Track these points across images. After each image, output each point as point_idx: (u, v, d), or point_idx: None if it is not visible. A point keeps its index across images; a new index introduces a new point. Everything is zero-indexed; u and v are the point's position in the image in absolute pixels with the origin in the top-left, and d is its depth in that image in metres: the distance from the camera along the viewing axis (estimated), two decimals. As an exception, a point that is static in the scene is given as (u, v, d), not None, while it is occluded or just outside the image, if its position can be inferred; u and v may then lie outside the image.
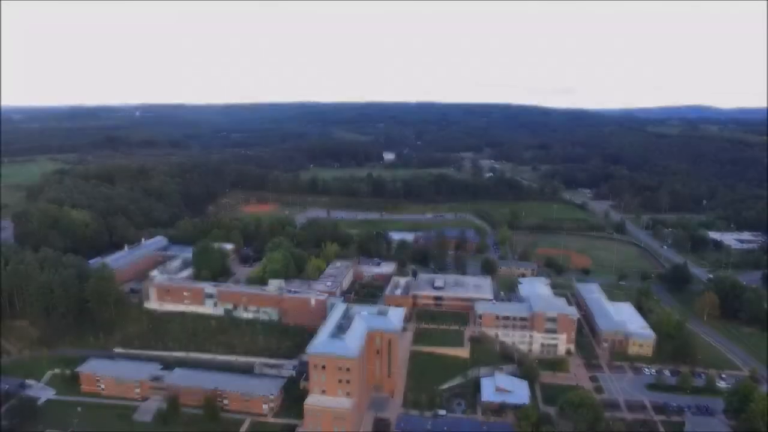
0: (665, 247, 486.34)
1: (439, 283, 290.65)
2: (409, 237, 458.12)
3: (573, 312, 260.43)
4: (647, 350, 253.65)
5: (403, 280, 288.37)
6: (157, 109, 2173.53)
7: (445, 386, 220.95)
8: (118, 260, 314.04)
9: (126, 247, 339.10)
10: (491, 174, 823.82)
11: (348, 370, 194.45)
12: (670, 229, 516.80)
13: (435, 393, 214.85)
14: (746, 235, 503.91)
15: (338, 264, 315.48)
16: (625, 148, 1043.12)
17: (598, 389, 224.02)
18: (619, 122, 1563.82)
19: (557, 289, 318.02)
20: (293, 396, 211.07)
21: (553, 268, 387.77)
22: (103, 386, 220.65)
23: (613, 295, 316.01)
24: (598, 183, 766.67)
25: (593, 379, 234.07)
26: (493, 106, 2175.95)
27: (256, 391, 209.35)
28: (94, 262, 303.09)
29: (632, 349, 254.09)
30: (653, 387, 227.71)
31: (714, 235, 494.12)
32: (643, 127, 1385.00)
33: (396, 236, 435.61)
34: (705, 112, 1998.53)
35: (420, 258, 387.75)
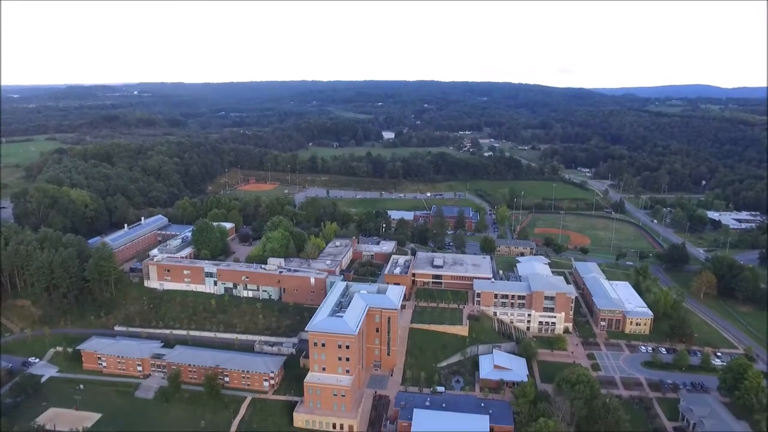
0: (654, 221, 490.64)
1: (438, 261, 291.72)
2: (409, 216, 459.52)
3: (571, 291, 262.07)
4: (644, 329, 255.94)
5: (402, 259, 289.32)
6: (156, 88, 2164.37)
7: (444, 364, 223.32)
8: (118, 240, 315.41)
9: (126, 227, 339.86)
10: (491, 153, 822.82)
11: (347, 347, 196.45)
12: (668, 209, 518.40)
13: (434, 370, 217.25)
14: (744, 215, 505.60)
15: (338, 243, 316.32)
16: (626, 128, 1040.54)
17: (595, 367, 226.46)
18: (620, 102, 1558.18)
19: (556, 268, 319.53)
20: (293, 373, 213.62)
21: (551, 247, 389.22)
22: (104, 364, 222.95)
23: (612, 274, 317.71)
24: (598, 162, 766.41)
25: (590, 356, 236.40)
26: (493, 85, 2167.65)
27: (257, 369, 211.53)
28: (94, 241, 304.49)
29: (629, 328, 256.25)
30: (649, 364, 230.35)
31: (712, 215, 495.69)
32: (644, 106, 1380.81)
33: (395, 215, 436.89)
34: (706, 91, 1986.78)
35: (419, 237, 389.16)
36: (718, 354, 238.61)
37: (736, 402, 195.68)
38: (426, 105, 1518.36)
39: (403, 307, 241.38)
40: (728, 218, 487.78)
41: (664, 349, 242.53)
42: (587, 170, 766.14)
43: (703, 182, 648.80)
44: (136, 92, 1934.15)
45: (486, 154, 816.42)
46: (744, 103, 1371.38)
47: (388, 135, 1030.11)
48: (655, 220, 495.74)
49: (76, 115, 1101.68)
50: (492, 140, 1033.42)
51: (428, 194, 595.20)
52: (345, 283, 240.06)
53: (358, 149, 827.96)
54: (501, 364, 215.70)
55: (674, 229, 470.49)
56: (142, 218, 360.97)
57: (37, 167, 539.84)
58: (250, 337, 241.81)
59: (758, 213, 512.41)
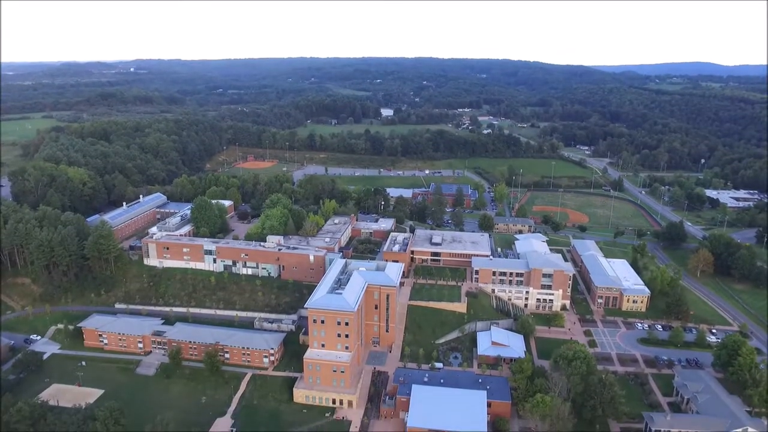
0: (643, 192, 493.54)
1: (436, 239, 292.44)
2: (407, 193, 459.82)
3: (569, 268, 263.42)
4: (641, 306, 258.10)
5: (401, 236, 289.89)
6: (152, 65, 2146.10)
7: (442, 340, 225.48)
8: (117, 218, 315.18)
9: (124, 205, 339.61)
10: (489, 131, 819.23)
11: (347, 324, 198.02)
12: (667, 187, 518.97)
13: (432, 347, 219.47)
14: (742, 194, 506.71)
15: (336, 220, 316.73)
16: (625, 106, 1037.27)
17: (592, 343, 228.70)
18: (619, 79, 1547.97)
19: (554, 245, 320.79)
20: (293, 350, 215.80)
21: (550, 225, 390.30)
22: (106, 341, 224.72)
23: (609, 252, 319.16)
24: (597, 140, 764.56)
25: (587, 333, 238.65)
26: (492, 62, 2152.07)
27: (257, 345, 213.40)
28: (93, 219, 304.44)
29: (626, 305, 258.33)
30: (645, 341, 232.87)
31: (711, 193, 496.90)
32: (644, 84, 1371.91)
33: (394, 192, 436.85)
34: (707, 69, 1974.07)
35: (418, 214, 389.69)
36: (713, 331, 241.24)
37: (729, 378, 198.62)
38: (425, 82, 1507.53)
39: (401, 284, 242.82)
40: (726, 197, 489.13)
41: (660, 326, 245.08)
42: (586, 148, 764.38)
43: (702, 161, 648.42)
44: (132, 69, 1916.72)
45: (485, 131, 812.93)
46: (744, 81, 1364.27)
47: (386, 112, 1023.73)
48: (643, 190, 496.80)
49: (72, 92, 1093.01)
50: (491, 118, 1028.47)
51: (427, 172, 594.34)
52: (344, 260, 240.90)
53: (356, 126, 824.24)
54: (499, 341, 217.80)
55: (672, 207, 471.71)
56: (141, 196, 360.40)
57: (34, 145, 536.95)
58: (250, 314, 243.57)
59: (756, 191, 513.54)
